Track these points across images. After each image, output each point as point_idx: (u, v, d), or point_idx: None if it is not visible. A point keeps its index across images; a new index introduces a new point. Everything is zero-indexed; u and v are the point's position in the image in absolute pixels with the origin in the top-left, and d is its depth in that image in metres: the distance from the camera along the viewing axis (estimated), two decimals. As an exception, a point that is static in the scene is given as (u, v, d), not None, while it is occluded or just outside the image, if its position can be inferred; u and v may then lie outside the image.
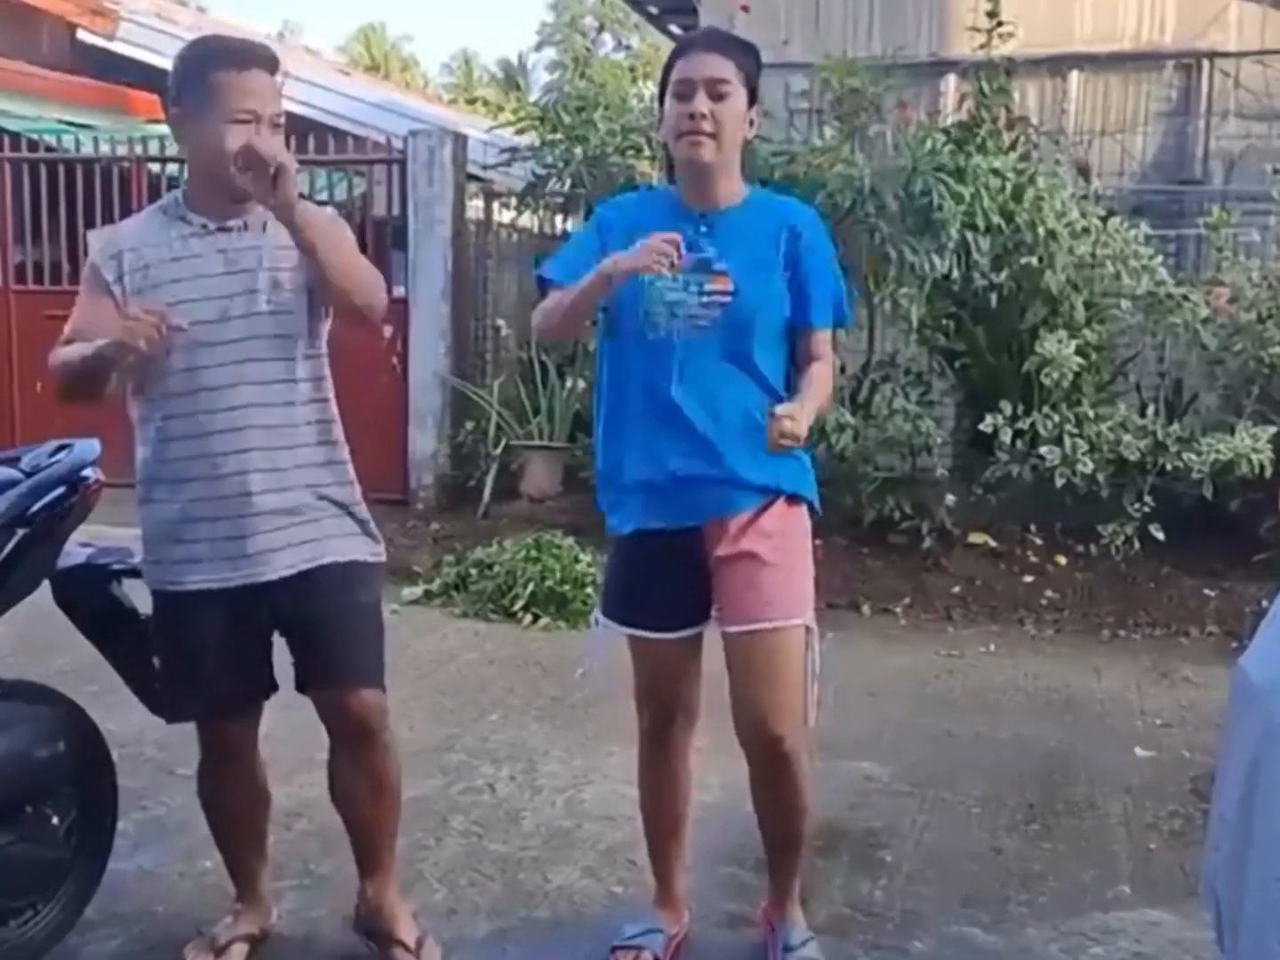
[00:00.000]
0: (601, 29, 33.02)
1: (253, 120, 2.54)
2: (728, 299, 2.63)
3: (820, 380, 2.71)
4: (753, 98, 2.69)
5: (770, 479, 2.67)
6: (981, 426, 6.21)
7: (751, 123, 2.70)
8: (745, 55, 2.69)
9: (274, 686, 2.79)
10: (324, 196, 7.76)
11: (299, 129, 6.44)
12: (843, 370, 6.55)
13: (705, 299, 2.64)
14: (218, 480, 2.61)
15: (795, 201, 2.89)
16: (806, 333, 2.73)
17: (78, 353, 2.57)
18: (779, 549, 2.69)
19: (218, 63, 2.56)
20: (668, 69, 2.70)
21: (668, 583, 2.74)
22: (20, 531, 2.63)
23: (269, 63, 2.60)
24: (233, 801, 2.86)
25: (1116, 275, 6.23)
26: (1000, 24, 6.92)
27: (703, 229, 2.67)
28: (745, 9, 8.25)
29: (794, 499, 2.73)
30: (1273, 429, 5.97)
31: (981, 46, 7.00)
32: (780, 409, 2.51)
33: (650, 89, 10.42)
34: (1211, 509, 6.10)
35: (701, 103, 2.60)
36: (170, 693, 2.78)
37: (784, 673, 2.68)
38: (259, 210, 2.63)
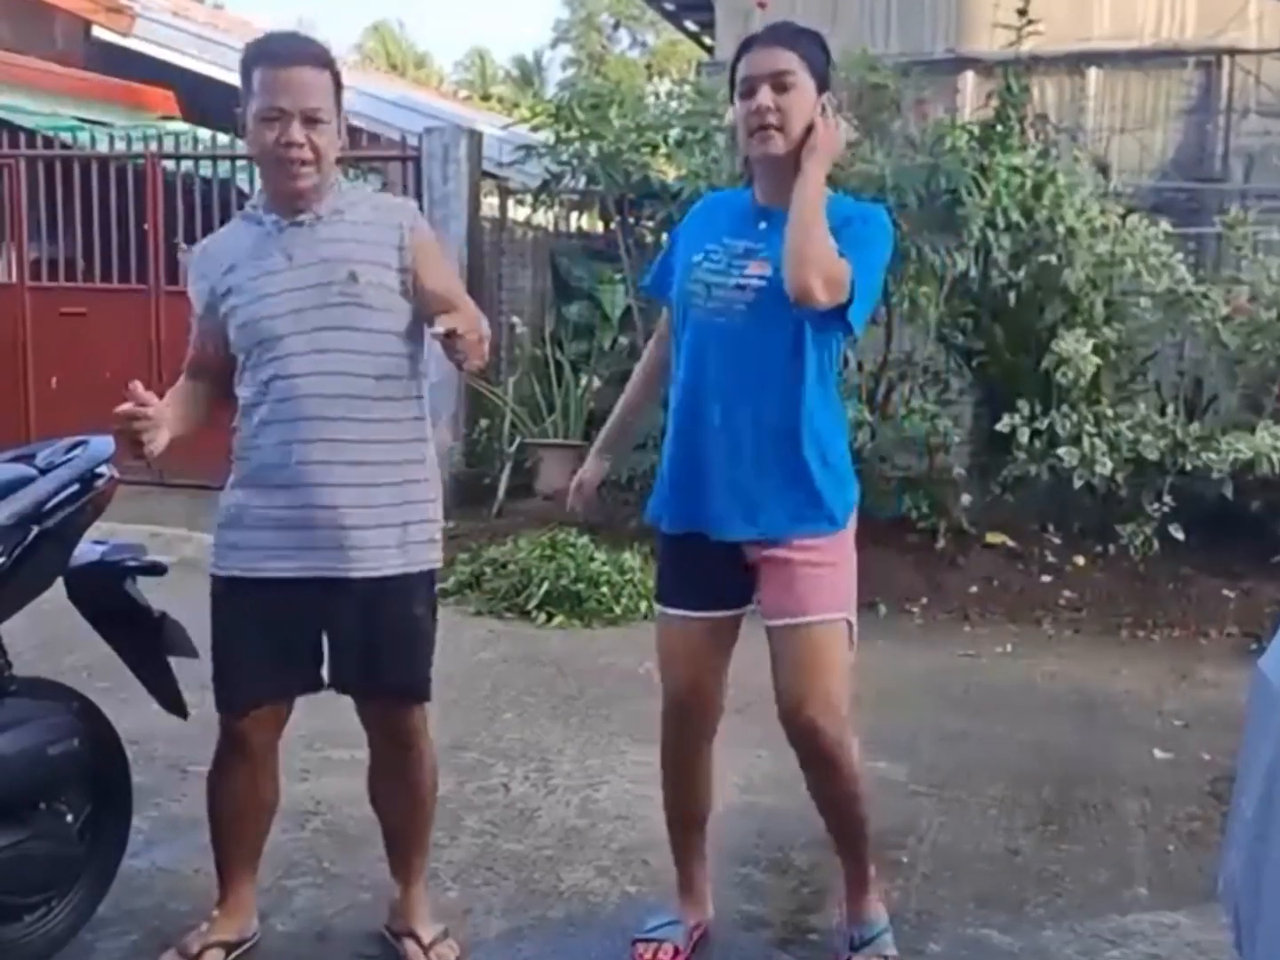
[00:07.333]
0: (618, 26, 32.99)
1: (279, 118, 2.54)
2: (763, 282, 2.59)
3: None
4: (823, 85, 2.63)
5: (810, 510, 2.65)
6: (999, 426, 6.18)
7: (824, 109, 2.62)
8: (810, 44, 2.64)
9: (319, 684, 2.73)
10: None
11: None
12: (859, 368, 6.52)
13: (740, 280, 2.62)
14: (298, 469, 2.60)
15: (865, 204, 2.84)
16: None
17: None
18: (822, 550, 2.67)
19: (254, 61, 2.59)
20: (734, 68, 2.67)
21: (704, 563, 2.72)
22: (34, 528, 2.62)
23: (311, 59, 2.59)
24: (240, 799, 2.80)
25: (1136, 274, 6.19)
26: (1030, 21, 6.88)
27: (761, 224, 2.64)
28: (762, 6, 8.19)
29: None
30: (1293, 428, 5.93)
31: (1011, 44, 6.96)
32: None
33: (666, 85, 10.39)
34: (1232, 509, 6.06)
35: (766, 97, 2.56)
36: (220, 678, 2.71)
37: (825, 665, 2.67)
38: (328, 202, 2.64)
